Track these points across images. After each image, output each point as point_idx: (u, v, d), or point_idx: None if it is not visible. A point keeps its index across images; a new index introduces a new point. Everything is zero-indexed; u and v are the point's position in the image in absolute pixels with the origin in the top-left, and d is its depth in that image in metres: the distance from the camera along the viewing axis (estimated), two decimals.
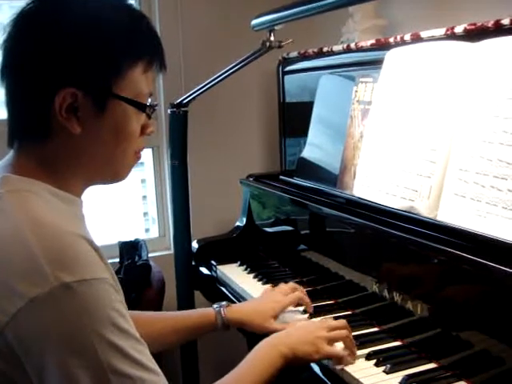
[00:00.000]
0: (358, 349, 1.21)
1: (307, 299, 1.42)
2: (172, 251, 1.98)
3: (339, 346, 1.19)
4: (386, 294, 1.29)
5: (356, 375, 1.12)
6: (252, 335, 1.31)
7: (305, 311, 1.42)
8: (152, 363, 0.84)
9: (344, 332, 1.19)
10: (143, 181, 2.43)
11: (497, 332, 1.02)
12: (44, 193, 0.87)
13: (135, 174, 2.41)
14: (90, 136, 0.89)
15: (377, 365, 1.15)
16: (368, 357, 1.18)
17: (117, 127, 0.91)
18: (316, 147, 1.73)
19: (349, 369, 1.15)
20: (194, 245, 1.92)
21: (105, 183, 0.99)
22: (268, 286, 1.54)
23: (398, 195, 1.30)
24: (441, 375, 1.10)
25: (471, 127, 1.17)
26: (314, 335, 1.16)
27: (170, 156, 1.86)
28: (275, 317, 1.34)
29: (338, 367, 1.16)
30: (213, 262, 1.88)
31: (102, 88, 0.88)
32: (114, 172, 0.96)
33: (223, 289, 1.75)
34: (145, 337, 0.86)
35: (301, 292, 1.42)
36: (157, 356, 0.87)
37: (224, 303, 1.34)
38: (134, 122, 0.92)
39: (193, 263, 1.89)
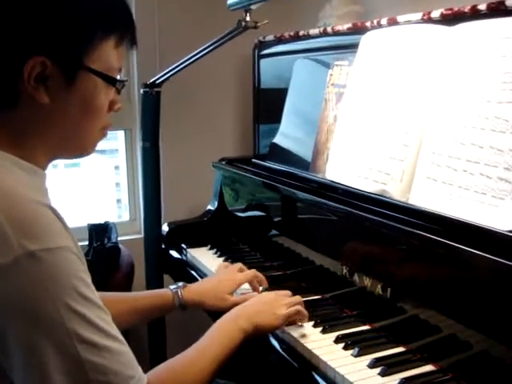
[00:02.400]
0: (327, 332, 1.21)
1: (262, 276, 1.44)
2: (142, 235, 1.96)
3: None
4: (355, 278, 1.29)
5: (324, 358, 1.11)
6: (217, 314, 1.29)
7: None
8: (117, 332, 0.83)
9: (299, 307, 1.23)
10: (117, 167, 2.39)
11: (465, 316, 1.02)
12: (7, 163, 0.85)
13: (108, 160, 2.39)
14: (58, 107, 0.87)
15: (345, 348, 1.14)
16: (336, 340, 1.18)
17: (85, 100, 0.89)
18: (290, 131, 1.71)
19: (317, 352, 1.14)
20: (165, 228, 1.90)
21: (70, 157, 1.00)
22: (223, 263, 1.55)
23: (371, 178, 1.30)
24: (409, 358, 1.10)
25: (445, 111, 1.16)
26: (271, 305, 1.20)
27: (142, 137, 1.83)
28: (231, 294, 1.35)
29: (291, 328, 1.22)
30: (183, 246, 1.85)
31: (72, 58, 0.86)
32: (79, 146, 0.95)
33: (193, 272, 1.72)
34: None
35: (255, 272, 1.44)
36: (124, 332, 0.85)
37: (181, 284, 1.34)
38: (102, 95, 0.91)
39: (163, 246, 1.87)
